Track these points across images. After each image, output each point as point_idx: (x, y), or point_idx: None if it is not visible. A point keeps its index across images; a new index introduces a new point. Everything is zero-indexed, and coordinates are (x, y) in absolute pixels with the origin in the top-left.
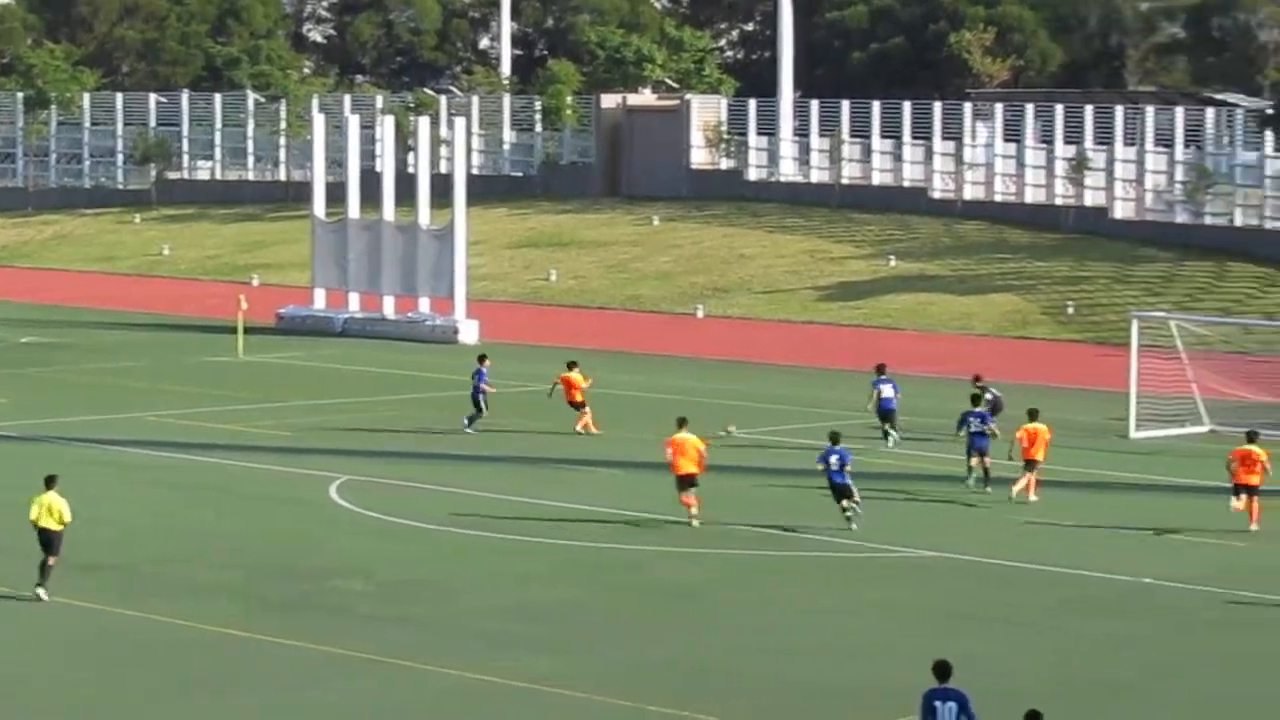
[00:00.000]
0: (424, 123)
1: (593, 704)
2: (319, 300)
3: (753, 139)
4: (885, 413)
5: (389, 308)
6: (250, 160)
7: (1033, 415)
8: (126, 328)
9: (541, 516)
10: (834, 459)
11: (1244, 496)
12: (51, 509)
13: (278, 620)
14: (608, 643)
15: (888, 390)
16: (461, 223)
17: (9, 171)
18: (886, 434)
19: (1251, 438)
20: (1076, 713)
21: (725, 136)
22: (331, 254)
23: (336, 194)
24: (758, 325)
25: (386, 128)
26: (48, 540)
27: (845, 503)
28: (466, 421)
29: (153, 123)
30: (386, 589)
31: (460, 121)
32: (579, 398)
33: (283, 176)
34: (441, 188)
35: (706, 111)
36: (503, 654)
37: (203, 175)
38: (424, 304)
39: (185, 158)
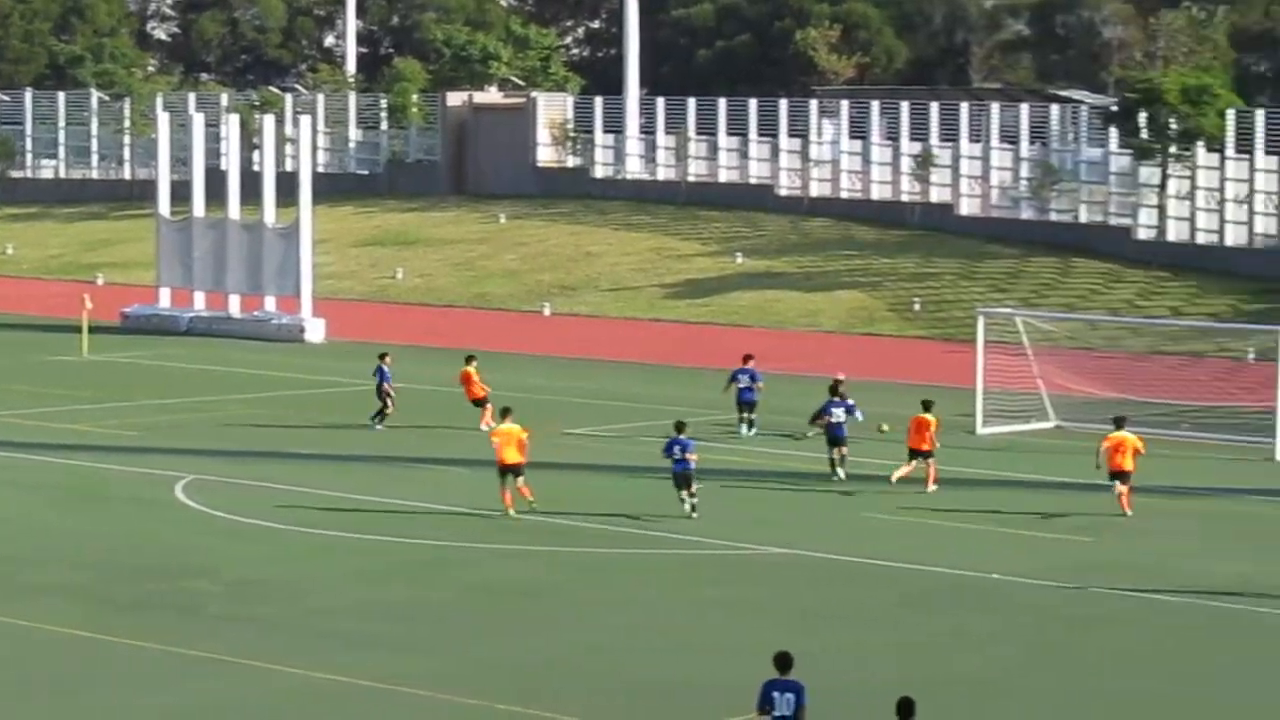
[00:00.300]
0: (269, 121)
1: (440, 702)
2: (164, 299)
3: (599, 137)
4: (745, 403)
5: (235, 306)
6: (95, 159)
7: (926, 406)
8: None
9: (390, 515)
10: (678, 449)
11: (1117, 483)
12: None
13: (124, 620)
14: (455, 641)
15: (744, 380)
16: (307, 221)
17: None
18: (747, 423)
19: (1119, 423)
20: (923, 709)
21: (571, 134)
22: (176, 253)
23: (182, 192)
24: (605, 323)
25: (231, 126)
26: None
27: (684, 493)
28: (373, 419)
29: None
30: (234, 589)
31: (306, 120)
32: (480, 393)
33: (127, 175)
34: (287, 186)
35: (552, 109)
36: (351, 653)
37: (46, 174)
38: (270, 303)
39: (29, 156)
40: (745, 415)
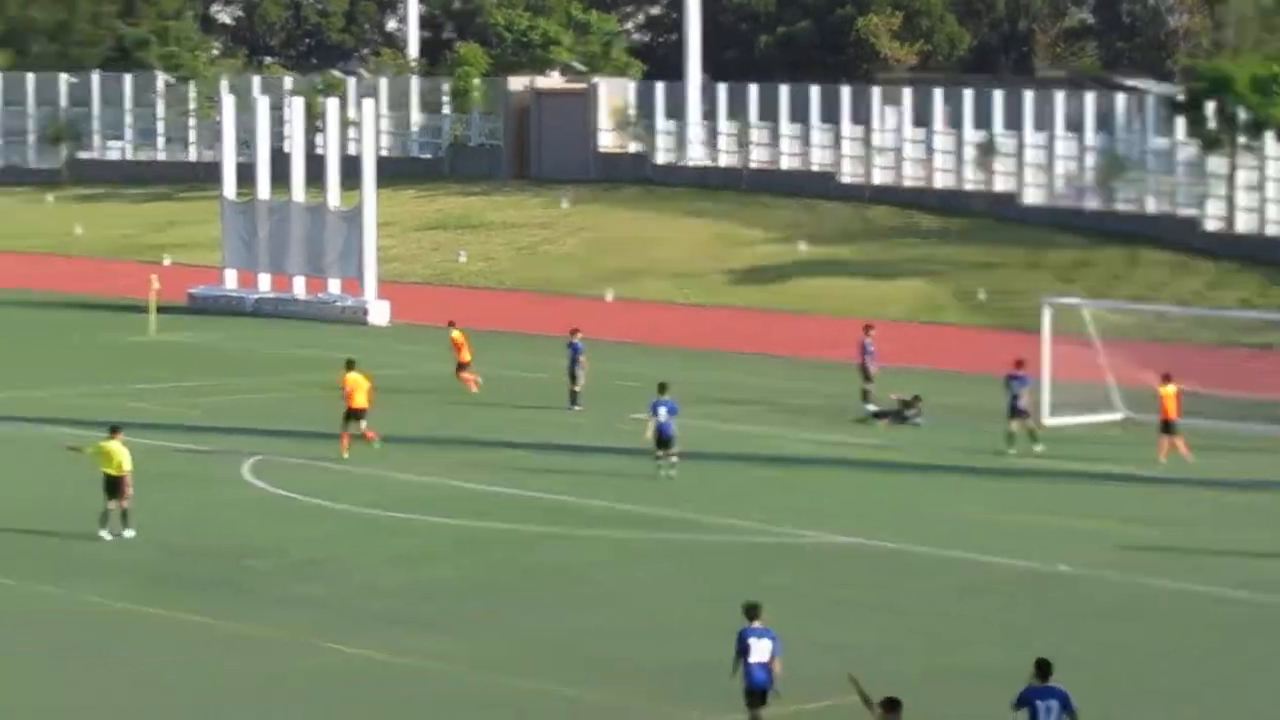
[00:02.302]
0: (333, 104)
1: (480, 682)
2: (230, 280)
3: (660, 122)
4: (1017, 412)
5: (299, 288)
6: (160, 141)
7: (1166, 379)
8: (37, 306)
9: (453, 497)
10: (663, 410)
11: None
12: (116, 455)
13: (183, 597)
14: (496, 621)
15: (1018, 389)
16: (371, 204)
17: None
18: (1030, 437)
19: (1166, 380)
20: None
21: (633, 120)
22: (241, 235)
23: (246, 175)
24: (666, 309)
25: (295, 109)
26: (113, 485)
27: (663, 453)
28: (570, 401)
29: (64, 103)
30: (293, 568)
31: (369, 103)
32: (466, 357)
33: (193, 157)
34: (350, 169)
35: (614, 95)
36: (393, 631)
37: (114, 155)
38: (333, 285)
39: (96, 138)
40: (1027, 427)
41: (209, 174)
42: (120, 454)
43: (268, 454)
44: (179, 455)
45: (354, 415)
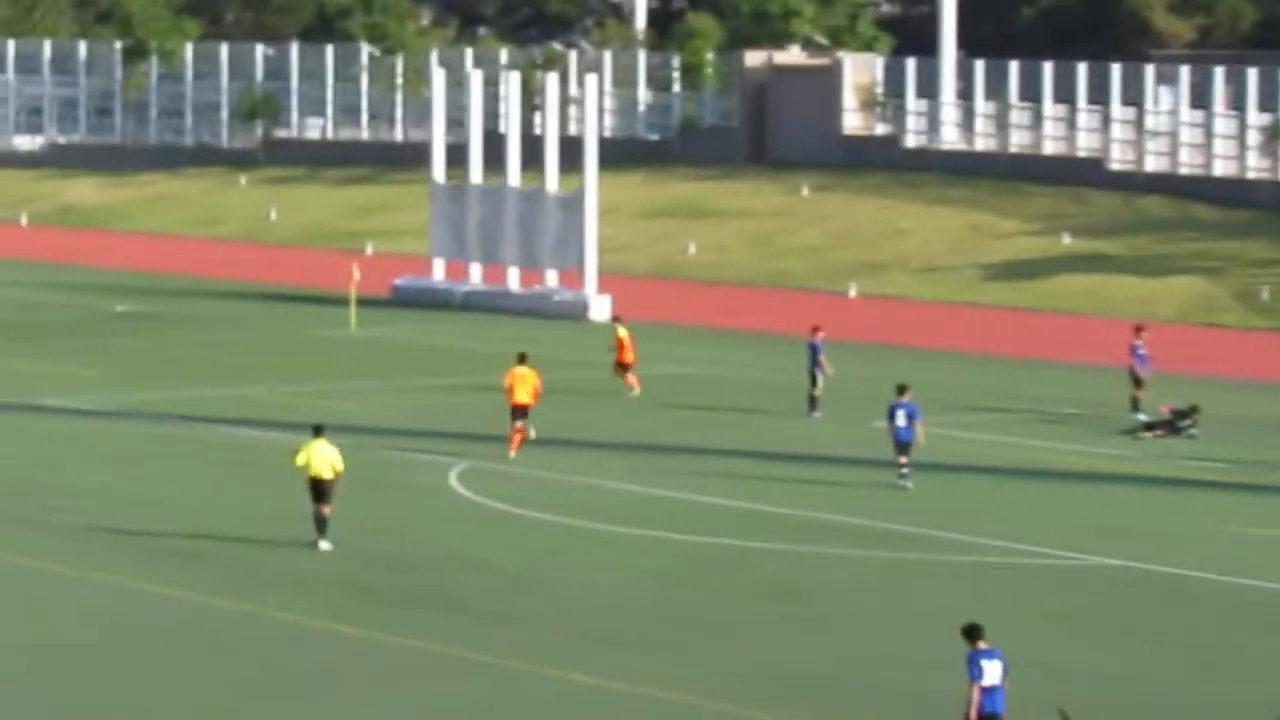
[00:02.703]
0: (552, 80)
1: (700, 711)
2: (438, 271)
3: (911, 102)
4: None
5: (513, 280)
6: (364, 118)
7: None
8: (229, 297)
9: (671, 510)
10: (901, 414)
11: None
12: (322, 458)
13: (387, 615)
14: (732, 647)
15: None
16: (593, 189)
17: (106, 127)
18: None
19: None
20: None
21: (881, 99)
22: (450, 221)
23: (457, 156)
24: (915, 306)
25: (511, 85)
26: (320, 489)
27: (904, 459)
28: (809, 407)
29: (259, 76)
30: (503, 584)
31: (592, 79)
32: (629, 358)
33: (399, 136)
34: (571, 151)
35: (860, 71)
36: (609, 653)
37: (313, 134)
38: (550, 277)
39: (294, 115)
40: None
41: (416, 155)
42: (329, 455)
43: (477, 459)
44: (381, 461)
45: (517, 412)
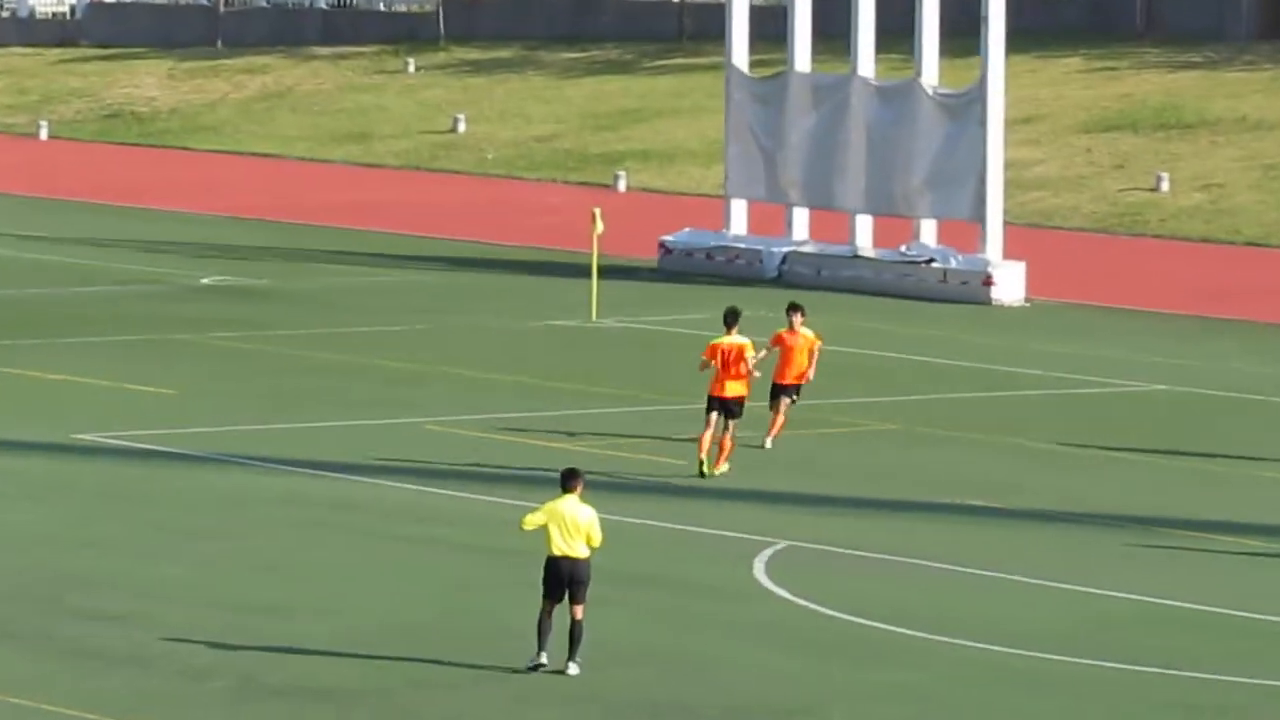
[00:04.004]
0: None
1: None
2: (736, 220)
3: None
4: None
5: (862, 235)
6: None
7: None
8: (388, 262)
9: (1107, 621)
10: None
11: None
12: (572, 524)
13: None
14: None
15: None
16: (997, 85)
17: None
18: None
19: None
20: None
21: None
22: (758, 138)
23: (767, 26)
24: None
25: None
26: (565, 576)
27: None
28: None
29: None
30: None
31: None
32: (792, 375)
33: None
34: (959, 23)
35: None
36: None
37: None
38: (925, 230)
39: None
40: None
41: (698, 28)
42: (581, 520)
43: (801, 538)
44: (642, 536)
45: (724, 408)
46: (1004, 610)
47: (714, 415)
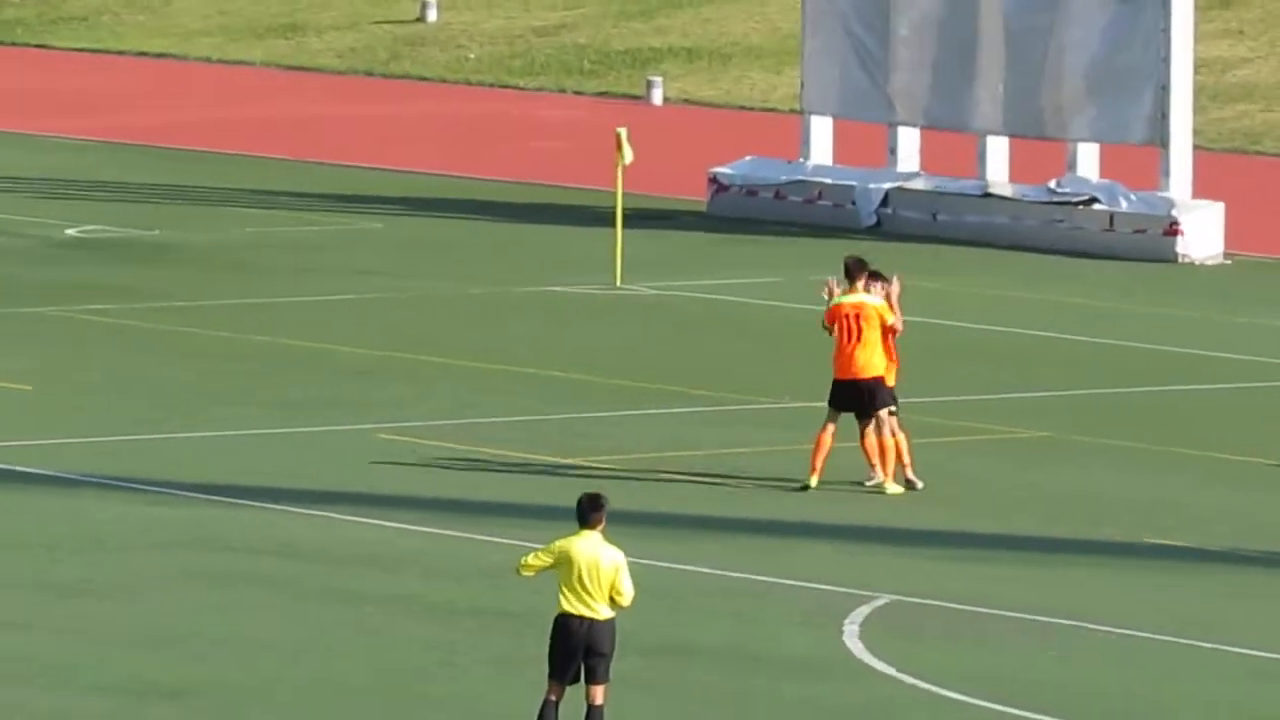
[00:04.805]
0: None
1: None
2: (817, 145)
3: None
4: None
5: (996, 166)
6: None
7: None
8: (325, 205)
9: None
10: None
11: None
12: (591, 572)
13: None
14: None
15: None
16: None
17: None
18: None
19: None
20: None
21: None
22: (850, 30)
23: None
24: None
25: None
26: (580, 644)
27: None
28: None
29: None
30: None
31: None
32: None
33: None
34: None
35: None
36: None
37: None
38: (1084, 158)
39: None
40: None
41: None
42: (606, 564)
43: (910, 590)
44: (706, 593)
45: (848, 396)
46: (1188, 690)
47: (832, 410)
